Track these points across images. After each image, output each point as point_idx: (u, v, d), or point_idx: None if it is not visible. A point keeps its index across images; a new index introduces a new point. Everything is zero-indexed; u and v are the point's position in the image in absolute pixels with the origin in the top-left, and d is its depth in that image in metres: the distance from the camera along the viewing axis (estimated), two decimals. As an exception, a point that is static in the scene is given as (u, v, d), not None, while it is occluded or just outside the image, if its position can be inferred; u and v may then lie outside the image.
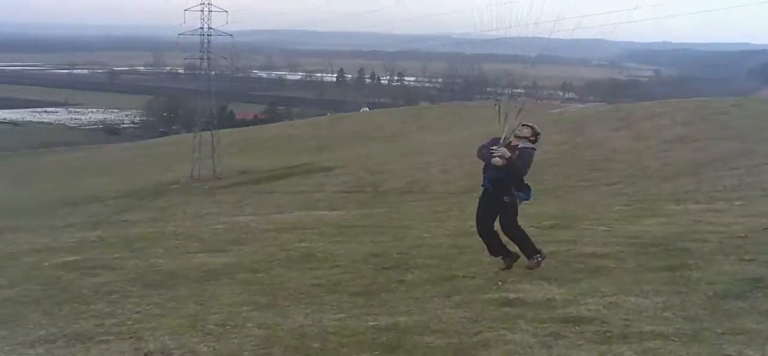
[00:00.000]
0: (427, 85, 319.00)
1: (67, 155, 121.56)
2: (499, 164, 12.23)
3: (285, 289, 12.22)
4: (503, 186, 12.44)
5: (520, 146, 12.60)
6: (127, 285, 12.98)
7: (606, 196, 29.07)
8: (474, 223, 13.11)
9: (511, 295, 11.08)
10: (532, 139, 12.86)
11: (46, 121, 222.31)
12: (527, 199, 12.64)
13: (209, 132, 78.87)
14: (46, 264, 15.86)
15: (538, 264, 12.61)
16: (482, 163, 12.75)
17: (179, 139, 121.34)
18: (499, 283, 11.95)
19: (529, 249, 12.69)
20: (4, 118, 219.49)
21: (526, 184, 12.58)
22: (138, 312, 11.06)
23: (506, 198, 12.48)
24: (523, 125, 12.94)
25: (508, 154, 12.26)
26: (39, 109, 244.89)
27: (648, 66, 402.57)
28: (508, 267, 12.76)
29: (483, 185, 12.77)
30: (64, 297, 12.23)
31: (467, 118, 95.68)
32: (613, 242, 15.12)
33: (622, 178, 34.70)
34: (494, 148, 12.45)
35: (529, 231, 13.18)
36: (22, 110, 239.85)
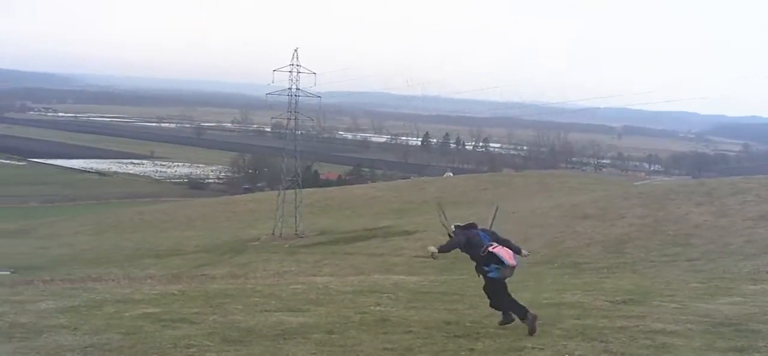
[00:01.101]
0: (512, 152, 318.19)
1: (152, 207, 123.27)
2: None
3: (357, 352, 12.37)
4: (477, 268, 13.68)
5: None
6: (205, 339, 13.24)
7: (684, 272, 28.70)
8: (548, 294, 13.52)
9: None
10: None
11: (132, 172, 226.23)
12: (500, 269, 13.36)
13: (293, 190, 79.54)
14: (128, 314, 16.23)
15: (535, 320, 13.30)
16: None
17: (263, 196, 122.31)
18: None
19: (520, 311, 13.52)
20: (92, 168, 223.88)
21: (494, 257, 13.29)
22: (213, 366, 11.30)
23: (479, 277, 13.76)
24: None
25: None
26: (125, 160, 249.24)
27: (737, 140, 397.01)
28: (531, 330, 13.34)
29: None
30: (144, 348, 12.54)
31: (551, 187, 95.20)
32: (684, 319, 14.99)
33: (703, 254, 34.16)
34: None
35: (602, 304, 13.25)
36: (109, 160, 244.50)
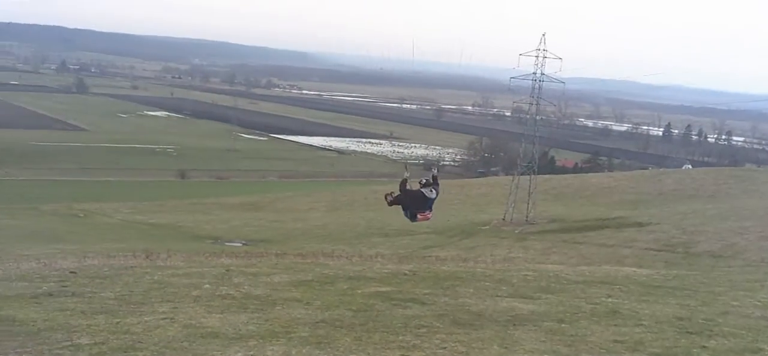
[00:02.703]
0: (755, 146, 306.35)
1: (386, 186, 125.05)
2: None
3: (587, 343, 12.20)
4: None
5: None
6: (435, 320, 13.37)
7: None
8: None
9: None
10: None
11: (369, 151, 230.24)
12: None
13: (527, 176, 79.07)
14: (359, 291, 16.58)
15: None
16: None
17: (496, 180, 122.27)
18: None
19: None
20: (330, 146, 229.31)
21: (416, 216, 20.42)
22: (443, 348, 11.40)
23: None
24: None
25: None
26: (364, 140, 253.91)
27: None
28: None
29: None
30: (375, 326, 12.78)
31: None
32: None
33: None
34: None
35: None
36: (348, 139, 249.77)
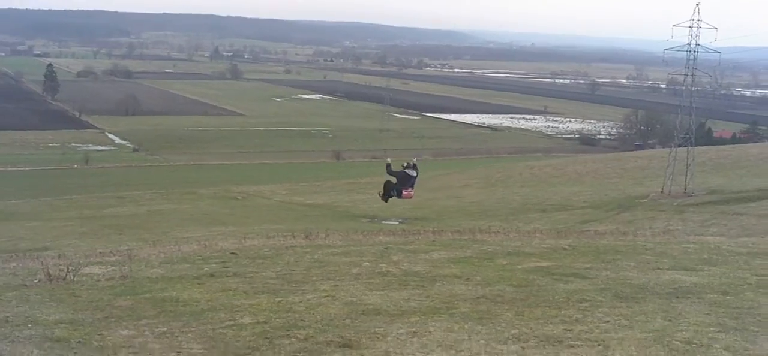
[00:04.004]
0: None
1: (541, 162, 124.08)
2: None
3: (754, 315, 11.85)
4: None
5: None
6: (597, 294, 13.22)
7: None
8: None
9: None
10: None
11: (523, 127, 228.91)
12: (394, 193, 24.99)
13: (684, 148, 77.44)
14: (520, 267, 16.52)
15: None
16: None
17: (653, 153, 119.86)
18: None
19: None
20: (484, 123, 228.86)
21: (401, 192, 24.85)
22: (606, 321, 11.26)
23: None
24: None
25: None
26: (518, 116, 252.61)
27: None
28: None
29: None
30: (536, 301, 12.71)
31: None
32: None
33: None
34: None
35: None
36: (501, 116, 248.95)
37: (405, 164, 23.82)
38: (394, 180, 24.75)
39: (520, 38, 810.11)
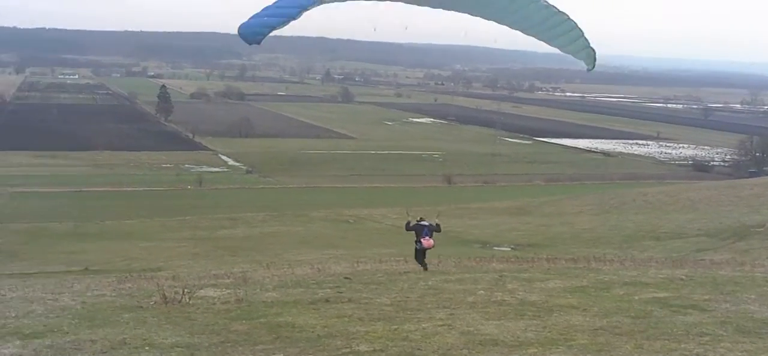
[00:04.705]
0: None
1: (655, 188, 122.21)
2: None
3: None
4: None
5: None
6: (717, 328, 13.00)
7: None
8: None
9: None
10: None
11: (636, 153, 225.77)
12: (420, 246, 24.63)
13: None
14: (637, 297, 16.34)
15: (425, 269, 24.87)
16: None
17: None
18: None
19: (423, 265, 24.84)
20: (596, 148, 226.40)
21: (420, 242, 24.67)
22: (730, 356, 11.07)
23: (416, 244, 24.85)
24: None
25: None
26: (630, 141, 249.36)
27: None
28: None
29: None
30: (655, 333, 12.56)
31: None
32: None
33: None
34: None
35: None
36: (614, 141, 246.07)
37: (419, 218, 25.13)
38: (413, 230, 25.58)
39: (630, 62, 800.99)
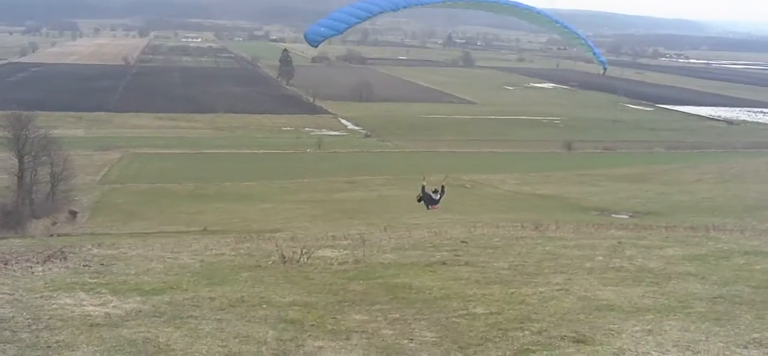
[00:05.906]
0: None
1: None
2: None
3: None
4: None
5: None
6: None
7: None
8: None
9: None
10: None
11: (761, 121, 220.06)
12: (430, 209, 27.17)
13: None
14: (758, 267, 16.01)
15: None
16: None
17: None
18: None
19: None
20: (719, 116, 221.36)
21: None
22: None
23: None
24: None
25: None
26: (755, 109, 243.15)
27: None
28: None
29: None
30: (761, 305, 12.29)
31: None
32: None
33: None
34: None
35: None
36: (738, 109, 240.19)
37: (433, 189, 27.26)
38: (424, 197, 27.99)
39: (760, 28, 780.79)
